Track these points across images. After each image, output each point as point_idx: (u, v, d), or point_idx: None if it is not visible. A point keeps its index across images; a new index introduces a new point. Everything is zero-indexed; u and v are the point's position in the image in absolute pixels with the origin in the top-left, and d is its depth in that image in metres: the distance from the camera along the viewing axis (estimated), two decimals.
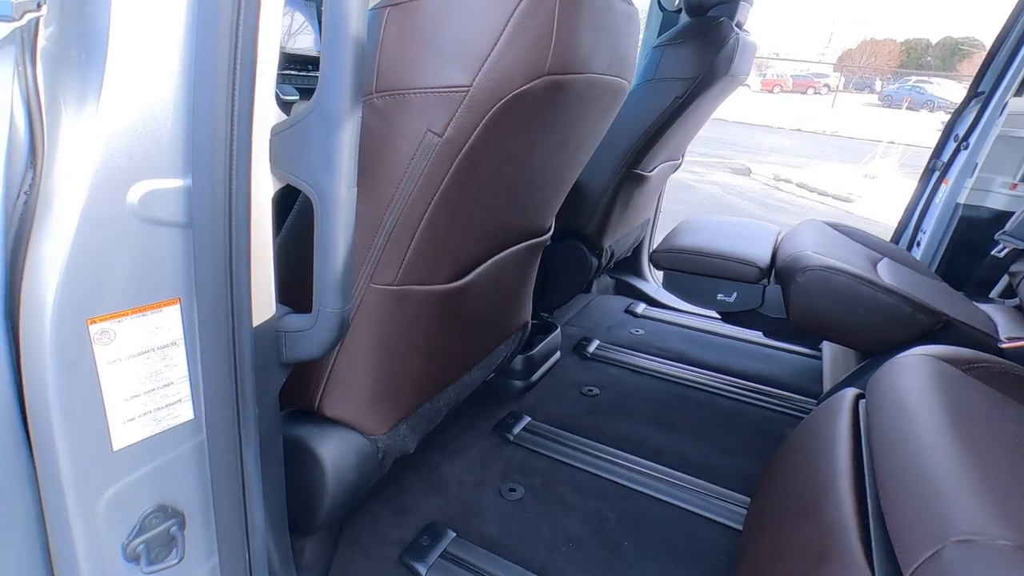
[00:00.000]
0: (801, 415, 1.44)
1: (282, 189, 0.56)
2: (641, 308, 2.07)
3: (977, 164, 1.74)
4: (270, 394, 0.63)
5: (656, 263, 1.52)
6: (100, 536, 0.52)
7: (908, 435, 0.65)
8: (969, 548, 0.47)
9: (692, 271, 1.45)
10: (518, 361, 1.45)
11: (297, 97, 1.18)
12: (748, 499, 1.12)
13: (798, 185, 6.67)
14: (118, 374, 0.49)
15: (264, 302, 0.57)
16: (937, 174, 1.86)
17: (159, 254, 0.49)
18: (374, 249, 0.69)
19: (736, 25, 1.44)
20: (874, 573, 0.53)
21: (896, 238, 1.99)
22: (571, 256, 1.62)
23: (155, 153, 0.46)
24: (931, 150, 1.90)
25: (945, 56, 33.23)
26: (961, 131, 1.79)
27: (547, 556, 0.99)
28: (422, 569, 0.94)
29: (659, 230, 2.24)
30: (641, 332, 1.89)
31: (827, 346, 1.68)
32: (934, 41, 36.02)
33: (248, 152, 0.49)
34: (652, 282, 2.26)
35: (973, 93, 1.81)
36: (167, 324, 0.52)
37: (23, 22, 0.43)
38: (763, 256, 1.43)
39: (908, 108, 18.34)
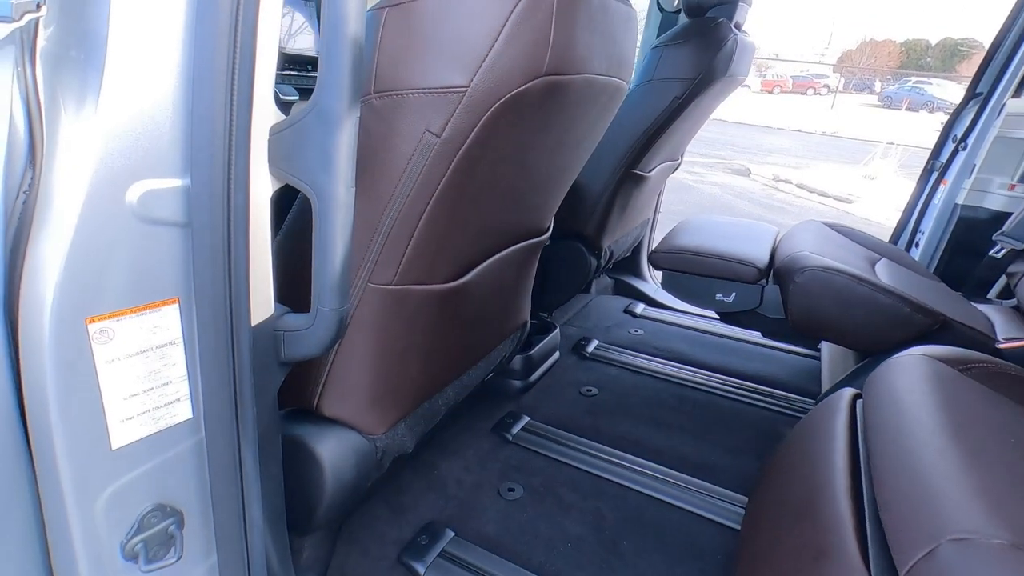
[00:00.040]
0: (799, 415, 1.44)
1: (281, 189, 0.56)
2: (640, 308, 2.07)
3: (975, 165, 1.74)
4: (269, 393, 0.63)
5: (655, 263, 1.53)
6: (99, 534, 0.53)
7: (904, 435, 0.65)
8: (964, 547, 0.47)
9: (691, 271, 1.46)
10: (517, 361, 1.45)
11: (297, 97, 1.18)
12: (746, 499, 1.12)
13: (798, 186, 6.67)
14: (117, 373, 0.50)
15: (262, 301, 0.57)
16: (935, 175, 1.86)
17: (158, 254, 0.49)
18: (372, 249, 0.69)
19: (735, 26, 1.44)
20: (870, 572, 0.54)
21: (895, 238, 1.99)
22: (570, 256, 1.63)
23: (154, 153, 0.46)
24: (930, 151, 1.91)
25: (945, 57, 33.26)
26: (959, 132, 1.80)
27: (545, 555, 0.99)
28: (420, 568, 0.94)
29: (658, 230, 2.25)
30: (640, 332, 1.89)
31: (826, 346, 1.68)
32: (934, 42, 36.07)
33: (247, 152, 0.49)
34: (651, 282, 2.26)
35: (971, 94, 1.82)
36: (166, 323, 0.52)
37: (23, 23, 0.43)
38: (762, 256, 1.43)
39: (908, 109, 18.36)
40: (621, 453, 1.26)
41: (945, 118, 1.91)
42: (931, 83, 20.88)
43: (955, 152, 1.80)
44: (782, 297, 1.32)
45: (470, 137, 0.64)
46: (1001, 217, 1.66)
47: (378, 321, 0.75)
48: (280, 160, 0.53)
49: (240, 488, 0.60)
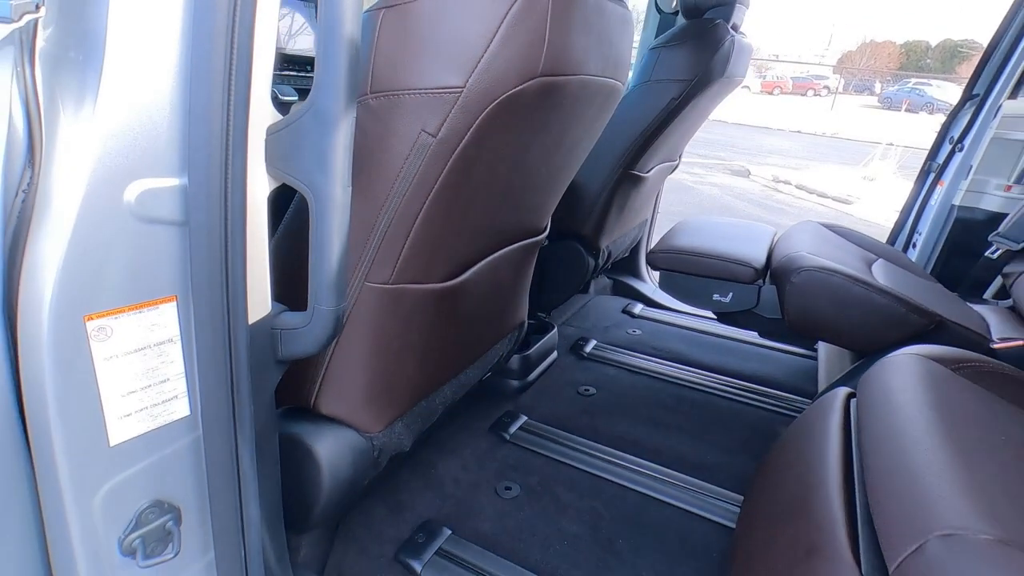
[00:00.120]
0: (796, 415, 1.45)
1: (278, 188, 0.56)
2: (638, 308, 2.07)
3: (972, 166, 1.75)
4: (266, 391, 0.64)
5: (652, 263, 1.53)
6: (97, 530, 0.53)
7: (896, 433, 0.66)
8: (952, 542, 0.48)
9: (688, 271, 1.46)
10: (515, 361, 1.46)
11: (296, 98, 1.18)
12: (742, 498, 1.13)
13: (797, 187, 6.68)
14: (115, 370, 0.50)
15: (260, 300, 0.57)
16: (932, 176, 1.87)
17: (156, 252, 0.50)
18: (369, 248, 0.70)
19: (732, 27, 1.45)
20: (860, 568, 0.54)
21: (892, 239, 2.00)
22: (568, 257, 1.63)
23: (151, 152, 0.47)
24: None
25: (945, 58, 33.29)
26: (956, 133, 1.80)
27: (542, 554, 0.99)
28: (417, 566, 0.94)
29: (657, 231, 2.25)
30: (638, 332, 1.89)
31: (823, 346, 1.69)
32: (934, 43, 36.10)
33: (244, 152, 0.49)
34: (649, 283, 2.27)
35: (968, 95, 1.82)
36: (163, 321, 0.52)
37: (22, 23, 0.44)
38: (759, 257, 1.44)
39: (907, 110, 18.38)
40: (618, 452, 1.26)
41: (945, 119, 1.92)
42: (931, 84, 20.90)
43: (952, 153, 1.80)
44: (779, 297, 1.32)
45: (466, 137, 0.64)
46: (997, 218, 1.66)
47: (375, 320, 0.75)
48: (277, 160, 0.54)
49: (237, 485, 0.60)
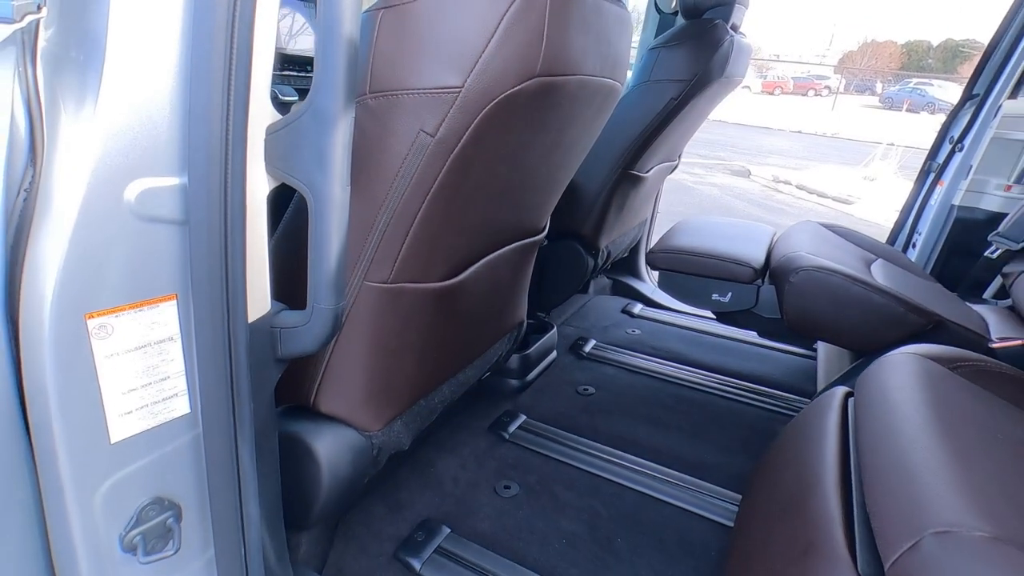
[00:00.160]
0: (794, 414, 1.44)
1: (278, 188, 0.57)
2: (638, 308, 2.08)
3: (972, 166, 1.75)
4: (266, 389, 0.64)
5: (652, 263, 1.53)
6: (98, 527, 0.54)
7: (893, 431, 0.66)
8: (946, 539, 0.48)
9: (687, 271, 1.46)
10: (514, 360, 1.46)
11: (296, 98, 1.19)
12: (740, 496, 1.13)
13: (797, 187, 6.68)
14: (115, 368, 0.51)
15: (259, 298, 0.58)
16: (932, 176, 1.87)
17: (156, 251, 0.50)
18: (368, 247, 0.70)
19: (731, 27, 1.45)
20: (857, 565, 0.55)
21: (892, 239, 2.00)
22: (567, 256, 1.64)
23: (152, 152, 0.47)
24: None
25: (946, 58, 33.25)
26: (956, 133, 1.80)
27: (540, 552, 1.00)
28: (416, 564, 0.95)
29: (657, 231, 2.25)
30: (637, 332, 1.90)
31: (822, 346, 1.69)
32: (935, 43, 36.06)
33: (243, 151, 0.50)
34: (649, 283, 2.27)
35: (968, 95, 1.83)
36: (164, 319, 0.53)
37: (23, 24, 0.44)
38: (758, 256, 1.44)
39: (908, 110, 18.36)
40: (617, 452, 1.27)
41: None
42: (932, 84, 20.88)
43: (952, 153, 1.81)
44: (778, 297, 1.33)
45: (464, 137, 0.65)
46: (997, 218, 1.66)
47: (373, 319, 0.76)
48: (277, 159, 0.54)
49: (237, 483, 0.61)
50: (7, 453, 0.49)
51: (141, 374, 0.52)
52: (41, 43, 0.44)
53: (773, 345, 1.83)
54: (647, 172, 1.65)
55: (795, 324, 1.29)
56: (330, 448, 0.78)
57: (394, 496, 1.10)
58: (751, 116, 14.03)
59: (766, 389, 1.57)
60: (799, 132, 12.83)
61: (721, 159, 8.33)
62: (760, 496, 0.81)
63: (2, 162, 0.44)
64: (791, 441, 0.85)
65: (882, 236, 1.88)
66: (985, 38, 1.77)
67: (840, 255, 1.36)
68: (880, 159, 7.46)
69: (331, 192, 0.55)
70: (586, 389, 1.52)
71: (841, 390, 0.88)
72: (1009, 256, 1.48)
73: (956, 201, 1.78)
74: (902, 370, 0.79)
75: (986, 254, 1.56)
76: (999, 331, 1.24)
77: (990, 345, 1.18)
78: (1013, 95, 1.71)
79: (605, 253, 1.72)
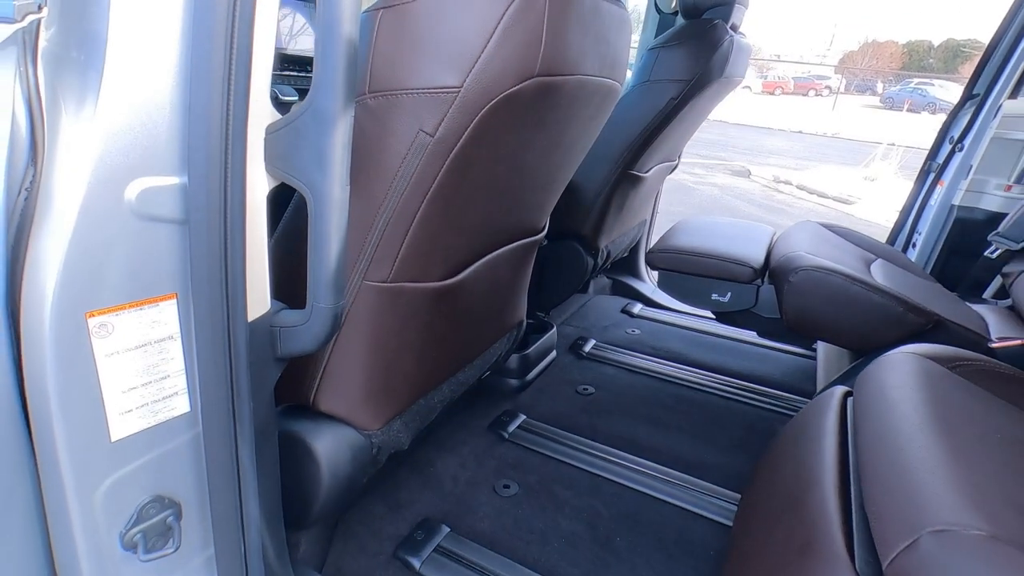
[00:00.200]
0: (794, 414, 1.45)
1: (278, 187, 0.57)
2: (638, 308, 2.08)
3: (972, 166, 1.75)
4: (265, 388, 0.64)
5: (651, 263, 1.53)
6: (98, 524, 0.54)
7: (891, 430, 0.66)
8: (944, 538, 0.48)
9: (687, 271, 1.47)
10: (514, 360, 1.46)
11: (296, 98, 1.19)
12: (739, 496, 1.13)
13: (798, 187, 6.68)
14: (116, 366, 0.51)
15: (259, 298, 0.58)
16: (932, 176, 1.87)
17: (156, 250, 0.50)
18: (367, 246, 0.70)
19: (731, 27, 1.45)
20: (855, 564, 0.55)
21: (892, 239, 2.00)
22: (567, 256, 1.64)
23: (152, 151, 0.47)
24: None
25: (947, 58, 33.23)
26: (956, 133, 1.80)
27: (540, 551, 1.00)
28: (416, 563, 0.95)
29: (657, 231, 2.25)
30: (637, 332, 1.90)
31: (821, 346, 1.69)
32: (936, 43, 36.04)
33: (243, 150, 0.50)
34: (649, 282, 2.27)
35: (968, 95, 1.83)
36: (164, 318, 0.53)
37: (24, 24, 0.44)
38: (757, 256, 1.44)
39: (909, 110, 18.35)
40: (617, 451, 1.27)
41: None
42: (933, 84, 20.85)
43: (952, 153, 1.81)
44: (777, 297, 1.33)
45: (463, 137, 0.65)
46: (997, 218, 1.66)
47: (373, 318, 0.76)
48: (276, 159, 0.54)
49: (237, 481, 0.61)
50: (8, 451, 0.50)
51: (141, 373, 0.53)
52: (42, 43, 0.45)
53: (773, 345, 1.83)
54: (647, 172, 1.65)
55: (794, 324, 1.29)
56: (329, 447, 0.78)
57: (394, 495, 1.10)
58: (751, 116, 14.03)
59: (765, 389, 1.57)
60: (800, 132, 12.82)
61: (721, 159, 8.33)
62: (759, 495, 0.82)
63: (3, 161, 0.44)
64: (790, 440, 0.86)
65: (883, 236, 1.88)
66: (987, 38, 1.77)
67: (839, 255, 1.36)
68: (881, 159, 7.46)
69: (330, 191, 0.55)
70: (586, 389, 1.52)
71: (840, 389, 0.89)
72: (1009, 256, 1.48)
73: (956, 201, 1.78)
74: (901, 369, 0.79)
75: (986, 254, 1.56)
76: (999, 331, 1.24)
77: (990, 345, 1.18)
78: (1013, 95, 1.71)
79: (605, 253, 1.72)
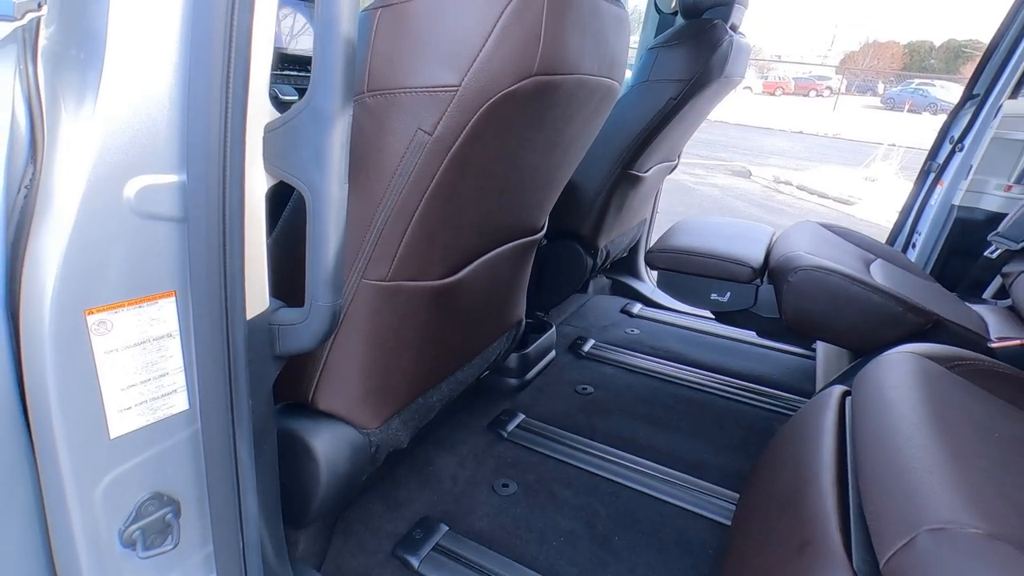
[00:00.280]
0: (793, 414, 1.45)
1: (276, 186, 0.57)
2: (637, 308, 2.08)
3: (972, 166, 1.75)
4: (264, 386, 0.64)
5: (651, 263, 1.54)
6: (97, 521, 0.54)
7: (889, 430, 0.66)
8: (941, 536, 0.48)
9: (686, 271, 1.47)
10: (513, 359, 1.46)
11: (295, 97, 1.20)
12: (738, 495, 1.13)
13: (798, 187, 6.67)
14: (115, 364, 0.51)
15: (258, 296, 0.58)
16: (932, 176, 1.87)
17: (155, 248, 0.51)
18: (366, 245, 0.71)
19: (731, 27, 1.45)
20: (852, 562, 0.55)
21: (892, 239, 2.00)
22: (566, 256, 1.64)
23: (151, 149, 0.48)
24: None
25: (949, 59, 33.22)
26: (956, 133, 1.80)
27: (538, 550, 1.00)
28: (415, 562, 0.95)
29: (657, 231, 2.26)
30: (636, 332, 1.90)
31: (821, 345, 1.69)
32: (937, 43, 36.03)
33: (241, 149, 0.50)
34: (648, 282, 2.27)
35: (968, 95, 1.83)
36: (163, 316, 0.53)
37: (24, 21, 0.45)
38: (756, 256, 1.44)
39: (910, 111, 18.34)
40: (616, 451, 1.27)
41: None
42: (934, 85, 20.84)
43: (952, 153, 1.81)
44: (776, 297, 1.33)
45: (462, 136, 0.65)
46: (997, 218, 1.66)
47: (371, 316, 0.76)
48: (275, 157, 0.54)
49: (235, 479, 0.61)
50: (7, 448, 0.50)
51: (140, 370, 0.53)
52: (42, 41, 0.45)
53: (772, 345, 1.83)
54: (646, 172, 1.65)
55: (794, 324, 1.29)
56: (328, 445, 0.78)
57: (392, 494, 1.10)
58: (752, 117, 14.03)
59: (765, 389, 1.57)
60: (800, 133, 12.82)
61: (722, 160, 8.33)
62: (757, 494, 0.82)
63: (3, 159, 0.44)
64: (788, 440, 0.86)
65: (883, 237, 1.88)
66: (988, 38, 1.77)
67: (839, 255, 1.36)
68: (881, 160, 7.45)
69: (329, 190, 0.55)
70: (585, 388, 1.52)
71: (838, 389, 0.89)
72: (1009, 256, 1.48)
73: (956, 201, 1.78)
74: (899, 369, 0.79)
75: (986, 254, 1.56)
76: (998, 331, 1.24)
77: (989, 345, 1.18)
78: (1013, 95, 1.71)
79: (604, 253, 1.73)
